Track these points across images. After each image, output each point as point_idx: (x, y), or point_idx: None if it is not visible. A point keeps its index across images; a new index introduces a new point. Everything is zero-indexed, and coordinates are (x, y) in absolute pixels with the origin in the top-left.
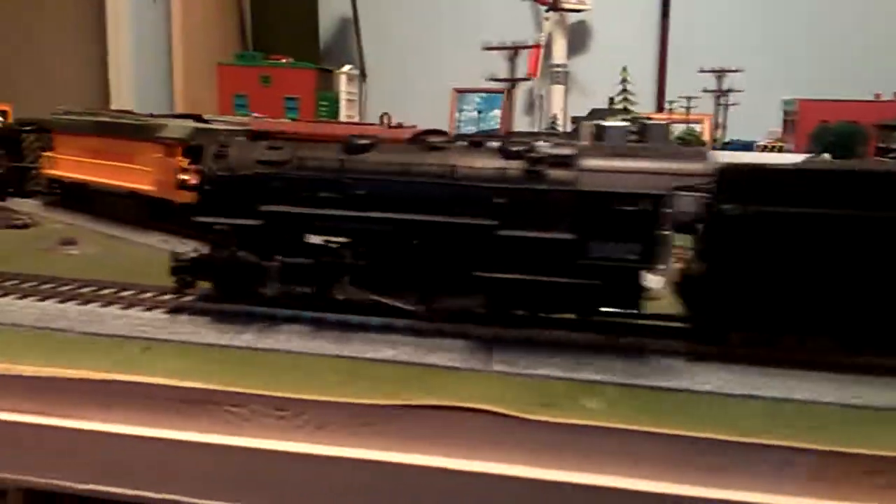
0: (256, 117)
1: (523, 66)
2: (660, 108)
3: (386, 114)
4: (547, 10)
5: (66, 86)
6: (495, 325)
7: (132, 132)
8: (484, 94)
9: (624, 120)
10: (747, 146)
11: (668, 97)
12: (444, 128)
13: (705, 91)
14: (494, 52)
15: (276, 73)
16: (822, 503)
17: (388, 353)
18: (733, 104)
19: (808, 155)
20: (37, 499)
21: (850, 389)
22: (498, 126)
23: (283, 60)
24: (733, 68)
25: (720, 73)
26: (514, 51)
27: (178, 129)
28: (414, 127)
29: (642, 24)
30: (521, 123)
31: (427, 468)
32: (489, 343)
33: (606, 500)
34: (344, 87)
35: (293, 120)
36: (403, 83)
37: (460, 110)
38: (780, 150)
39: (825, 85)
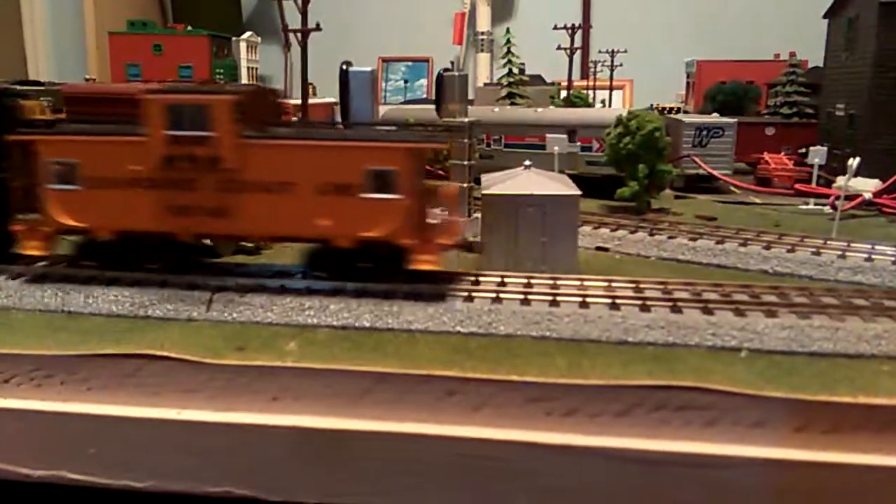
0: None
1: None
2: (585, 74)
3: (310, 84)
4: None
5: None
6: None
7: None
8: (410, 63)
9: (511, 84)
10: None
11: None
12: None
13: (559, 48)
14: (420, 22)
15: (169, 42)
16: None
17: (106, 307)
18: (618, 65)
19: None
20: None
21: None
22: (424, 95)
23: (179, 29)
24: (577, 24)
25: (571, 31)
26: None
27: None
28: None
29: None
30: None
31: (109, 417)
32: (212, 291)
33: (283, 438)
34: (244, 54)
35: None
36: (330, 53)
37: (386, 80)
38: (677, 111)
39: (739, 48)
